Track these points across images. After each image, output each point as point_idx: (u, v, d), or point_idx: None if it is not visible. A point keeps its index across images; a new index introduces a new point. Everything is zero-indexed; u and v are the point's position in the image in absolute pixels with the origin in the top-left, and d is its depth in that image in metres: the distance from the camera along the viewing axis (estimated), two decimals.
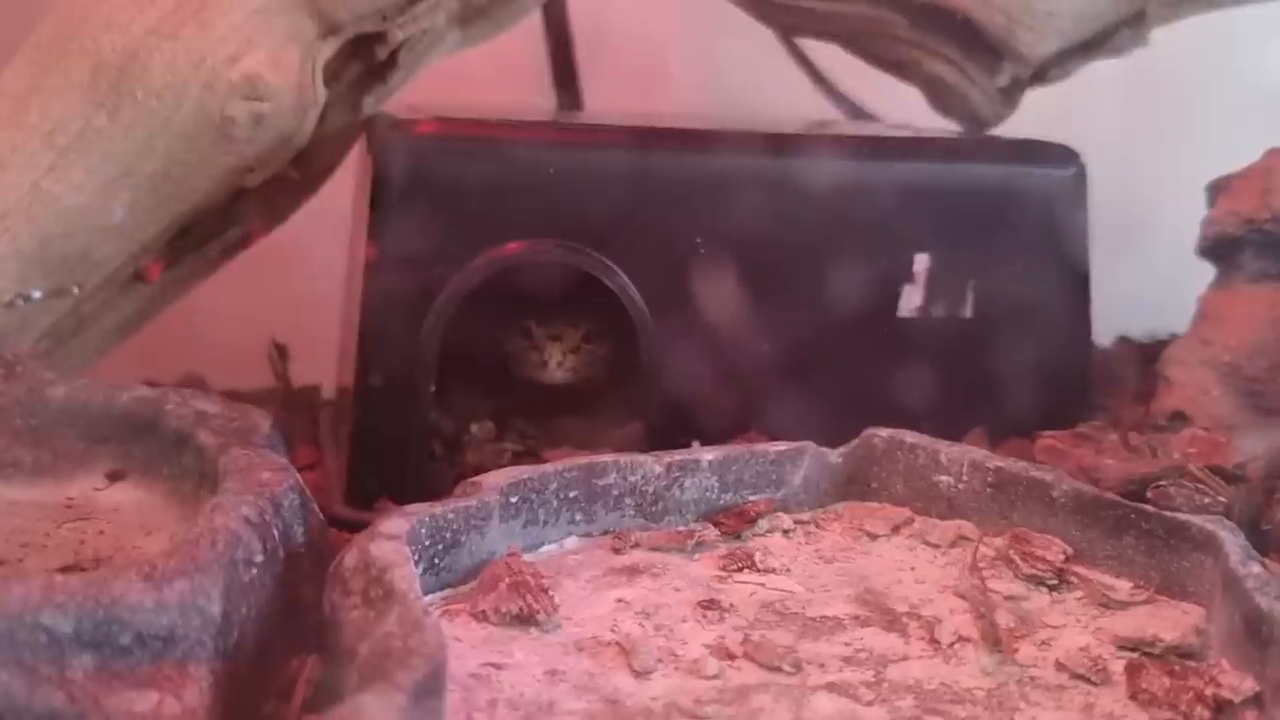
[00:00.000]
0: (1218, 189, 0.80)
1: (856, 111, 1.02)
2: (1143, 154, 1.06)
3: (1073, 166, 0.79)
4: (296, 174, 0.73)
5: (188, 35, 0.66)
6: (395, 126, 0.70)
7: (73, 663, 0.39)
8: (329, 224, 0.79)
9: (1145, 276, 0.90)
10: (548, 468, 0.58)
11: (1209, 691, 0.44)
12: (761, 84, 1.02)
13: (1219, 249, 0.80)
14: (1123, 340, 0.93)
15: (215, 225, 0.72)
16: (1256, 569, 0.48)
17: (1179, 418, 0.75)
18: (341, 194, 0.77)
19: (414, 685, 0.38)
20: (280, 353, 0.82)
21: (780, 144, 0.76)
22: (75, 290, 0.68)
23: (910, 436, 0.62)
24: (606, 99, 1.02)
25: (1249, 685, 0.44)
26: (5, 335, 0.65)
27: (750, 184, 0.73)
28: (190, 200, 0.69)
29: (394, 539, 0.48)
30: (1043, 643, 0.49)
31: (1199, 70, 1.08)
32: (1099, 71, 0.87)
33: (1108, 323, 0.91)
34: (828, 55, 0.92)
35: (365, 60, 0.73)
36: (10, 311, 0.66)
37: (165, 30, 0.66)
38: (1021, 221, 0.77)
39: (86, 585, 0.40)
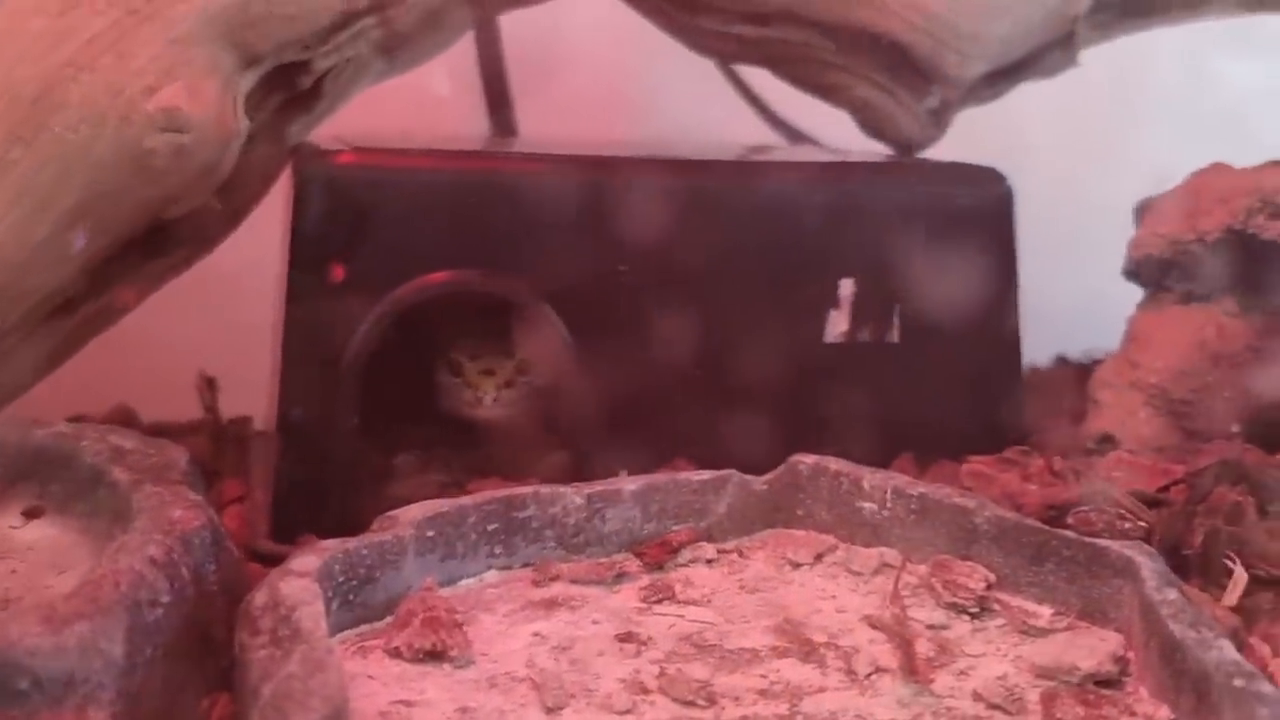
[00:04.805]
0: (1144, 210, 0.82)
1: (796, 136, 1.03)
2: (1085, 172, 1.07)
3: (1000, 188, 0.80)
4: (220, 205, 0.72)
5: (104, 67, 0.65)
6: (316, 157, 0.70)
7: None
8: (262, 252, 0.77)
9: (1086, 295, 0.90)
10: (466, 501, 0.58)
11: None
12: (703, 109, 1.03)
13: (1145, 271, 0.82)
14: (1060, 360, 0.95)
15: (138, 258, 0.71)
16: (1173, 595, 0.49)
17: (1107, 440, 0.77)
18: (274, 221, 0.76)
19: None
20: (209, 385, 0.82)
21: (707, 170, 0.77)
22: None
23: (834, 463, 0.63)
24: (549, 123, 1.03)
25: (1164, 714, 0.45)
26: None
27: (677, 210, 0.74)
28: (112, 232, 0.68)
29: (304, 576, 0.48)
30: (961, 672, 0.50)
31: (1141, 87, 1.11)
32: (1048, 89, 0.88)
33: (1046, 342, 0.94)
34: (770, 80, 0.92)
35: (289, 90, 0.73)
36: None
37: (81, 62, 0.65)
38: (949, 244, 0.78)
39: None
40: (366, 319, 0.68)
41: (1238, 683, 0.42)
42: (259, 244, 0.76)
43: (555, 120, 1.04)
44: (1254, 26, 0.93)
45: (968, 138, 0.86)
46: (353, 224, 0.69)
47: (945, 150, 0.85)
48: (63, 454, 0.60)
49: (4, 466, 0.60)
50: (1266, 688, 0.42)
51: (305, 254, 0.69)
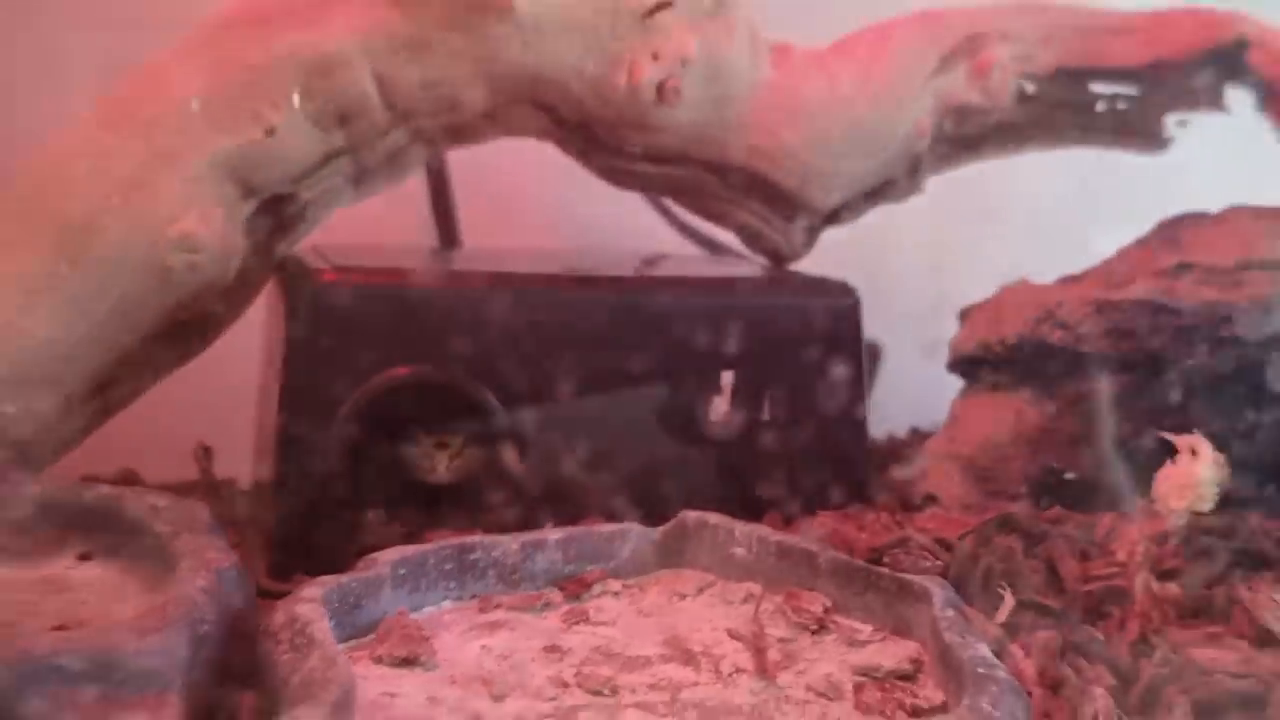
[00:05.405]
0: (963, 316, 0.90)
1: (714, 247, 1.12)
2: (945, 274, 1.16)
3: (850, 298, 0.88)
4: (221, 308, 0.80)
5: (135, 200, 0.73)
6: (305, 274, 0.78)
7: (83, 692, 0.48)
8: (241, 338, 0.85)
9: (940, 378, 0.99)
10: (428, 547, 0.65)
11: (909, 702, 0.56)
12: (625, 219, 1.11)
13: (962, 365, 0.91)
14: (914, 431, 1.03)
15: (155, 351, 0.78)
16: (951, 614, 0.59)
17: (930, 499, 0.86)
18: (253, 314, 0.84)
19: (332, 702, 0.48)
20: (206, 452, 0.88)
21: (616, 284, 0.86)
22: (40, 408, 0.74)
23: (713, 518, 0.71)
24: (484, 229, 1.11)
25: (939, 697, 0.56)
26: None
27: (589, 316, 0.83)
28: (136, 332, 0.76)
29: (311, 601, 0.56)
30: (799, 671, 0.59)
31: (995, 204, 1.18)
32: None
33: (907, 415, 1.03)
34: None
35: (277, 214, 0.80)
36: None
37: (117, 196, 0.73)
38: (809, 342, 0.86)
39: (93, 636, 0.51)
40: (346, 403, 0.75)
41: (981, 670, 0.54)
42: (235, 333, 0.84)
43: (491, 225, 1.11)
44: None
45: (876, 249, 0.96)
46: (335, 328, 0.77)
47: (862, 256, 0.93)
48: (108, 510, 0.65)
49: (60, 520, 0.65)
50: (1000, 674, 0.54)
51: (298, 351, 0.77)
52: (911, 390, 0.98)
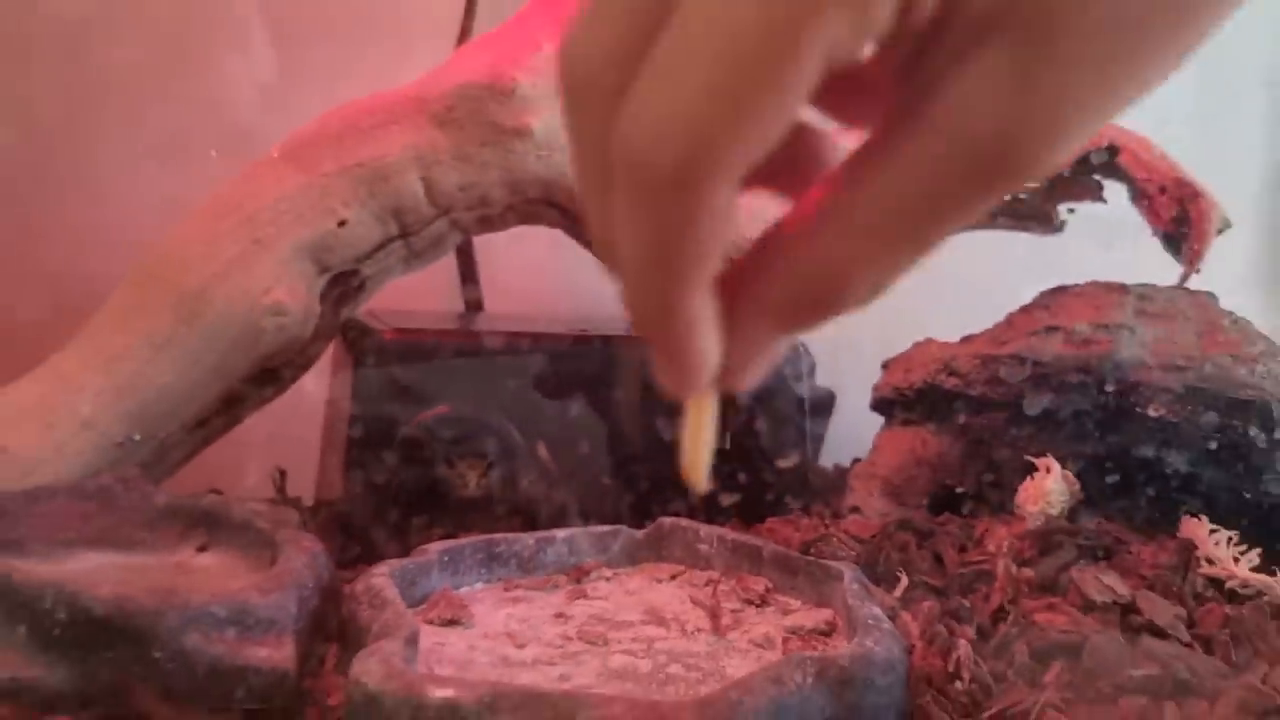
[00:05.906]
0: (884, 367, 1.04)
1: None
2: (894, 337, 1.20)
3: (802, 356, 1.05)
4: (298, 360, 0.92)
5: (237, 276, 0.86)
6: (370, 333, 0.93)
7: (226, 632, 0.62)
8: (306, 383, 0.98)
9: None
10: (465, 541, 0.78)
11: (820, 648, 0.71)
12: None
13: (881, 406, 1.04)
14: (855, 460, 1.12)
15: (248, 392, 0.91)
16: (857, 588, 0.74)
17: (854, 510, 0.99)
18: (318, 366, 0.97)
19: (404, 638, 0.61)
20: (281, 475, 1.02)
21: (610, 340, 1.00)
22: (160, 436, 0.86)
23: (684, 522, 0.84)
24: (504, 296, 1.26)
25: (844, 645, 0.70)
26: (120, 463, 0.84)
27: (588, 364, 0.98)
28: (235, 378, 0.88)
29: (383, 575, 0.70)
30: (744, 631, 0.72)
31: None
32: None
33: (851, 449, 1.14)
34: None
35: (344, 286, 0.93)
36: (122, 448, 0.85)
37: (223, 273, 0.86)
38: (766, 390, 0.98)
39: (233, 593, 0.65)
40: (400, 433, 0.89)
41: (870, 622, 0.69)
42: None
43: (509, 292, 1.26)
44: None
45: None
46: (391, 378, 0.91)
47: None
48: (220, 513, 0.77)
49: (181, 520, 0.76)
50: (885, 625, 0.69)
51: (363, 394, 0.91)
52: (864, 429, 1.09)
